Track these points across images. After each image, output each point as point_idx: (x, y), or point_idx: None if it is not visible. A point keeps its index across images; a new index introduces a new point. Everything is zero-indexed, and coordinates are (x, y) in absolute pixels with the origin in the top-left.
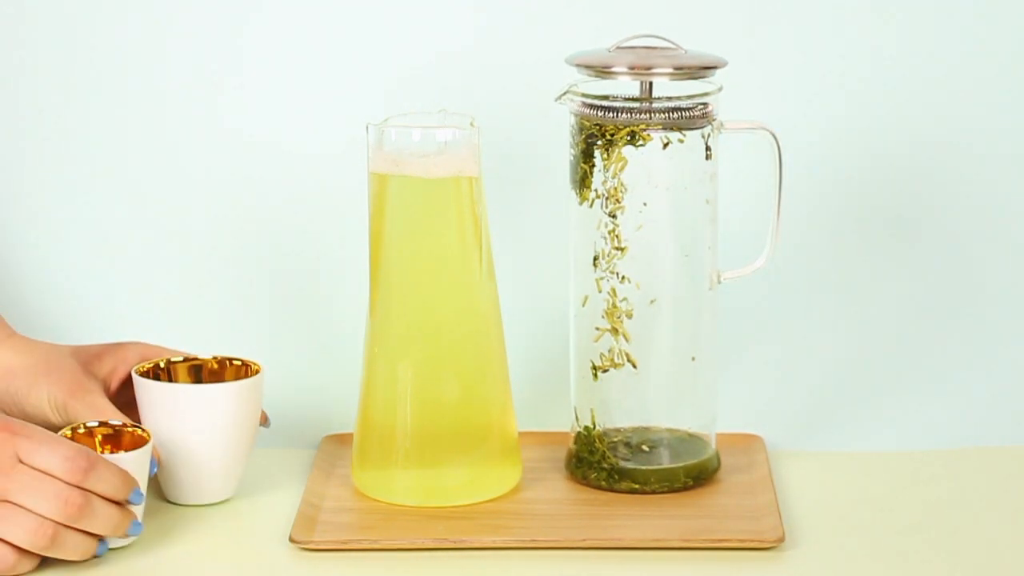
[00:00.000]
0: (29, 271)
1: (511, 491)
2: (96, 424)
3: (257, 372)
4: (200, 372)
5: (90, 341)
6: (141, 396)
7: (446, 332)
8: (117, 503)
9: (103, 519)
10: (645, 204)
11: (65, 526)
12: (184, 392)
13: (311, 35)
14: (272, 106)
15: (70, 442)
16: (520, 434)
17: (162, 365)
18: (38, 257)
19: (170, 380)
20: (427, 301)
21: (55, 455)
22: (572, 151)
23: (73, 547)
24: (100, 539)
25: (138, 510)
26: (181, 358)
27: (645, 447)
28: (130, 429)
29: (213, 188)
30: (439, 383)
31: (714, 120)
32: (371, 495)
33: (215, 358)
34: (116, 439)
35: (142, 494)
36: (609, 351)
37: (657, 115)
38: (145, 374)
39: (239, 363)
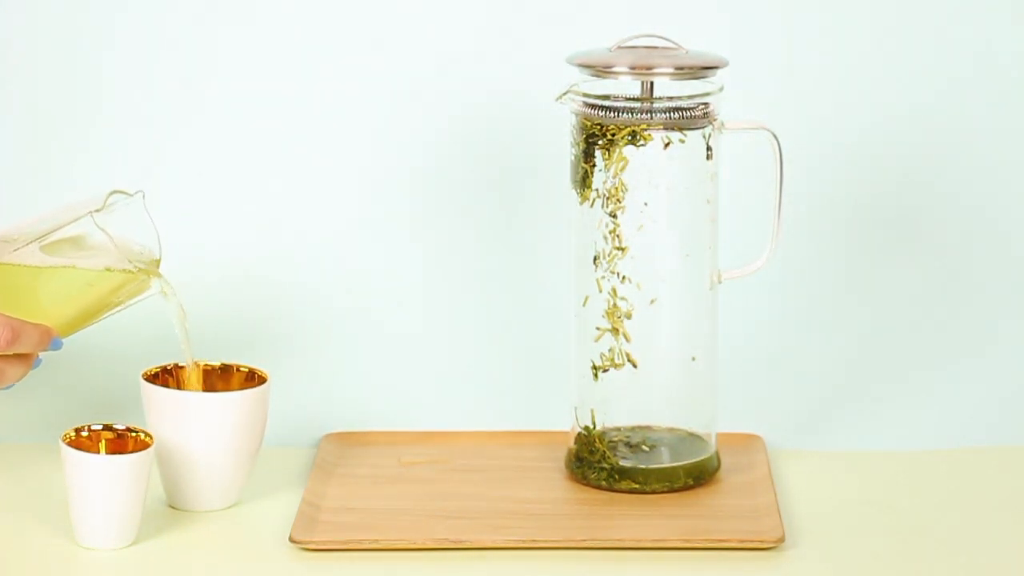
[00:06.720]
0: None
1: None
2: (100, 428)
3: (264, 381)
4: (207, 378)
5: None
6: (148, 401)
7: None
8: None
9: (9, 376)
10: (646, 204)
11: None
12: (192, 400)
13: (311, 36)
14: (270, 111)
15: None
16: (520, 434)
17: (169, 369)
18: None
19: (177, 385)
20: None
21: None
22: (573, 151)
23: None
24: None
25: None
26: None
27: (645, 447)
28: (133, 434)
29: (213, 192)
30: None
31: (715, 120)
32: None
33: (222, 364)
34: (120, 443)
35: (61, 341)
36: (609, 351)
37: (658, 115)
38: (153, 379)
39: (246, 370)
